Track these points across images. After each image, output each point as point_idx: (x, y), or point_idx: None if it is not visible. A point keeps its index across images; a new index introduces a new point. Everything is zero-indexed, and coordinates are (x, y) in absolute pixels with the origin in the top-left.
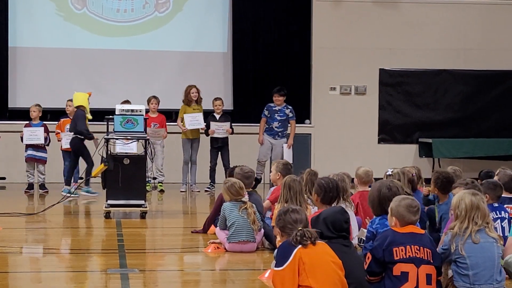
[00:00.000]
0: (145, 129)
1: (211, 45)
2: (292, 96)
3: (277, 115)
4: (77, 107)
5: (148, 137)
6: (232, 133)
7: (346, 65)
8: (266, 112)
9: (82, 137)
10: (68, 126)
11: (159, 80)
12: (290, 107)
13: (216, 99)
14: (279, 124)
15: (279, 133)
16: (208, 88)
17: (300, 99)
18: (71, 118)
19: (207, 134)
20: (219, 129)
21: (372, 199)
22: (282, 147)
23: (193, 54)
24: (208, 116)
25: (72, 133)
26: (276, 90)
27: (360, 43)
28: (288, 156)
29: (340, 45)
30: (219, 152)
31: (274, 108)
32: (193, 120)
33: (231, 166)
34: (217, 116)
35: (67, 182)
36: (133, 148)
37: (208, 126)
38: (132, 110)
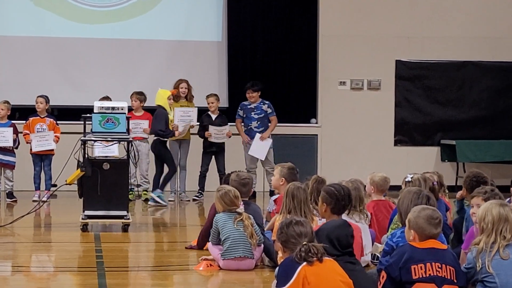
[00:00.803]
0: (128, 130)
1: (203, 33)
2: (296, 91)
3: (254, 113)
4: (158, 105)
5: (131, 139)
6: (230, 136)
7: (358, 56)
8: (240, 112)
9: (163, 138)
10: (38, 126)
11: (144, 73)
12: (267, 102)
13: (209, 95)
14: (258, 123)
15: (258, 133)
16: (200, 82)
17: (305, 95)
18: (42, 117)
19: (202, 136)
20: (219, 134)
21: (405, 206)
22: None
23: (182, 44)
24: (202, 115)
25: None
26: (249, 86)
27: (374, 30)
28: (258, 150)
29: (351, 33)
30: (213, 157)
31: (249, 106)
32: (185, 115)
33: (226, 172)
34: (213, 116)
35: (158, 186)
36: (114, 151)
37: (204, 127)
38: (113, 108)
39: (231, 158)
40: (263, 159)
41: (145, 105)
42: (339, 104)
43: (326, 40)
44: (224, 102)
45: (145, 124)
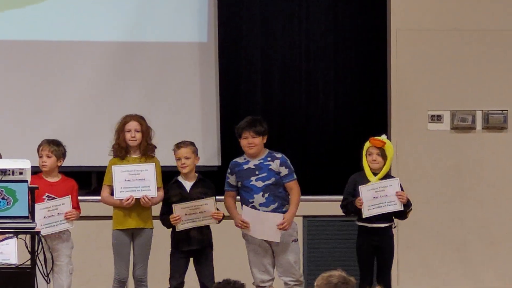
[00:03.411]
0: (33, 212)
1: (175, 30)
2: (346, 134)
3: (256, 179)
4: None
5: (38, 229)
6: (221, 218)
7: (462, 68)
8: (231, 178)
9: None
10: None
11: (65, 104)
12: (279, 155)
13: (180, 145)
14: (267, 196)
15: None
16: (167, 119)
17: (363, 142)
18: None
19: (168, 224)
20: (194, 213)
21: None
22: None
23: (135, 47)
24: (169, 183)
25: None
26: (244, 125)
27: (492, 19)
28: (267, 227)
29: (448, 25)
30: (192, 261)
31: (245, 167)
32: (131, 179)
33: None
34: (187, 185)
35: None
36: (10, 252)
37: (168, 208)
38: (4, 172)
39: (225, 264)
40: (278, 241)
41: (65, 164)
42: (429, 157)
43: (404, 37)
44: (212, 158)
45: (65, 203)
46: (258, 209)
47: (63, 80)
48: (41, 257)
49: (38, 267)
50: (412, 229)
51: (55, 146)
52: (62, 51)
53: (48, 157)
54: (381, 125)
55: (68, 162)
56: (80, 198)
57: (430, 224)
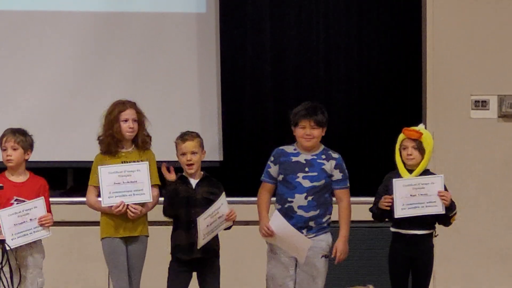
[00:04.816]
0: None
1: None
2: (374, 126)
3: (304, 175)
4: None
5: (3, 238)
6: (233, 218)
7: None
8: (272, 168)
9: None
10: None
11: (34, 87)
12: (336, 155)
13: (184, 136)
14: (311, 199)
15: (310, 222)
16: (158, 105)
17: (395, 132)
18: None
19: (170, 212)
20: (215, 219)
21: None
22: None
23: (121, 18)
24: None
25: None
26: (305, 112)
27: None
28: (294, 245)
29: None
30: (194, 275)
31: (294, 159)
32: (122, 181)
33: None
34: (192, 182)
35: None
36: None
37: (172, 207)
38: None
39: (229, 274)
40: (302, 262)
41: (35, 158)
42: (471, 150)
43: (442, 6)
44: (211, 152)
45: (38, 206)
46: (296, 212)
47: (33, 58)
48: (6, 269)
49: (2, 281)
50: (451, 236)
51: (22, 136)
52: (32, 23)
53: (14, 149)
54: (415, 114)
55: (38, 156)
56: (53, 199)
57: (472, 231)
